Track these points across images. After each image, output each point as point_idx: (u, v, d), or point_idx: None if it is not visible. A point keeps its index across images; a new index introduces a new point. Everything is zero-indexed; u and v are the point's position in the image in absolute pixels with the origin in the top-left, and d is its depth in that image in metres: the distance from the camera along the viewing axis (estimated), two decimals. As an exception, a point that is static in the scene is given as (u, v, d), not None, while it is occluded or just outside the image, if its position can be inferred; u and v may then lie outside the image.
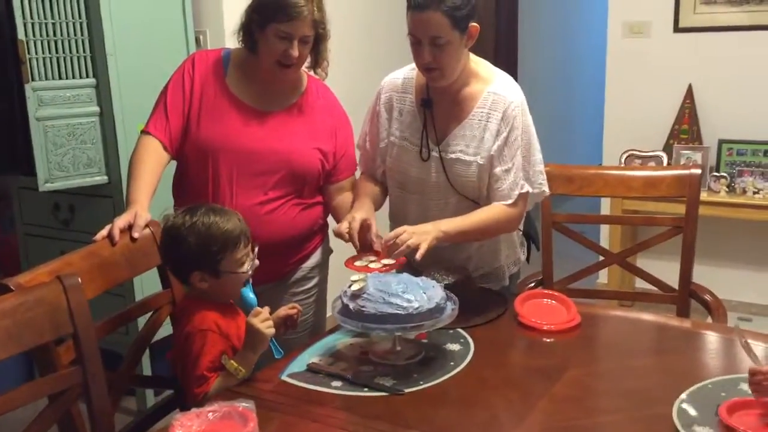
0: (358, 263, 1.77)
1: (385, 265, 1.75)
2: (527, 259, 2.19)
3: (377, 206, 2.00)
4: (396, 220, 2.05)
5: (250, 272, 1.61)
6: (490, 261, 2.04)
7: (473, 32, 1.81)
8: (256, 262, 1.64)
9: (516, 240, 2.11)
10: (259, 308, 1.55)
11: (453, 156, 1.90)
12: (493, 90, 1.89)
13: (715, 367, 1.65)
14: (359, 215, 1.83)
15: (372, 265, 1.75)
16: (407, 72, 1.99)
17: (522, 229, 2.11)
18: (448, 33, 1.75)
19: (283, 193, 1.95)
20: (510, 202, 1.89)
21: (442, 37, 1.75)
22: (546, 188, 1.96)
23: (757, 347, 1.64)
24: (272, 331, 1.52)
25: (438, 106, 1.92)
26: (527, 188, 1.90)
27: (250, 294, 1.59)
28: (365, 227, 1.81)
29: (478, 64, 1.94)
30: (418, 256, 1.70)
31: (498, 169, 1.88)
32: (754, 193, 3.49)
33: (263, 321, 1.52)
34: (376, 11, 3.70)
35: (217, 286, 1.59)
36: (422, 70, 1.85)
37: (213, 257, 1.56)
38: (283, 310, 1.69)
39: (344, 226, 1.80)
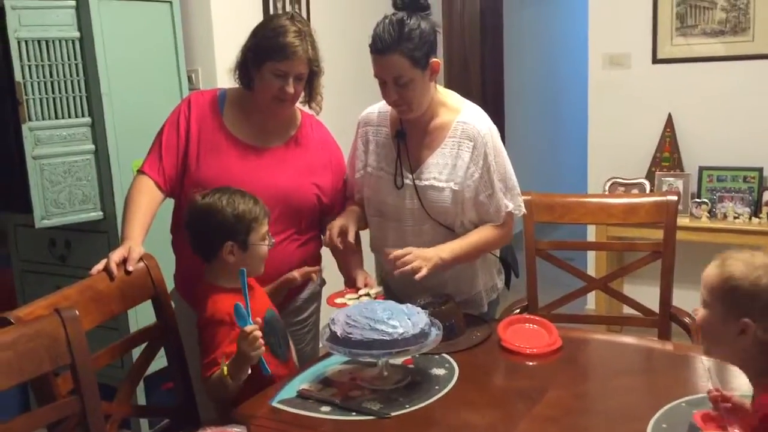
0: (338, 300, 1.89)
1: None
2: (507, 285, 2.26)
3: (362, 221, 2.12)
4: (376, 249, 2.13)
5: (270, 246, 1.77)
6: (468, 288, 2.11)
7: (435, 67, 1.93)
8: (273, 240, 1.80)
9: (493, 267, 2.18)
10: (248, 328, 1.55)
11: (427, 183, 1.99)
12: (463, 120, 2.00)
13: (692, 386, 1.70)
14: (338, 222, 1.99)
15: (350, 302, 1.85)
16: (382, 106, 2.10)
17: (498, 255, 2.19)
18: (409, 72, 1.87)
19: (281, 228, 1.99)
20: (499, 223, 2.03)
21: (404, 76, 1.88)
22: (523, 208, 2.10)
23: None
24: (260, 352, 1.56)
25: (411, 137, 2.03)
26: (511, 207, 2.03)
27: (242, 311, 1.58)
28: (343, 233, 1.97)
29: (446, 95, 2.06)
30: (418, 277, 1.84)
31: (482, 196, 2.00)
32: (735, 218, 3.57)
33: (251, 344, 1.55)
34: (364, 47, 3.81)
35: (242, 260, 1.71)
36: (391, 105, 1.98)
37: (245, 227, 1.71)
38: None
39: (326, 237, 1.99)
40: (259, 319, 1.59)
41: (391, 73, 1.88)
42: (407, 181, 2.01)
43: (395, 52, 1.85)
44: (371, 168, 2.08)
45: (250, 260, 1.74)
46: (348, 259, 2.07)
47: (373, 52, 1.89)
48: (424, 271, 1.85)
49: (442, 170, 1.99)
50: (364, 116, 2.15)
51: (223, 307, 1.66)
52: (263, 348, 1.57)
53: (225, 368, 1.57)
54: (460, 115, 2.01)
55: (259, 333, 1.56)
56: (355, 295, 1.92)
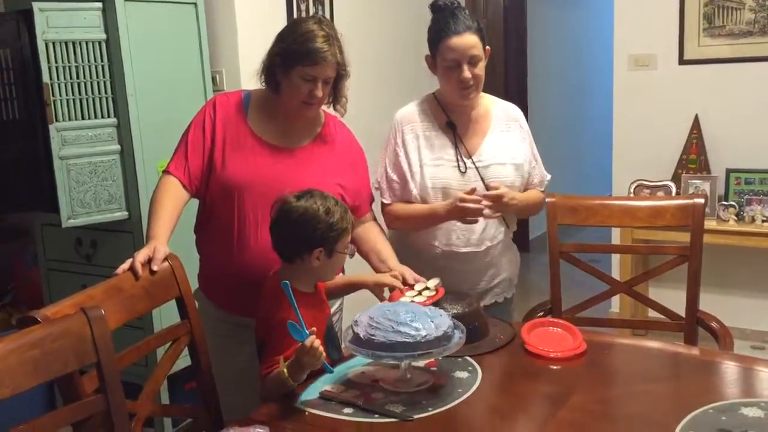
0: (403, 299, 1.87)
1: (428, 297, 1.88)
2: None
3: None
4: (432, 232, 2.18)
5: (350, 255, 1.83)
6: (510, 267, 2.30)
7: (488, 52, 2.12)
8: (354, 249, 1.88)
9: (517, 252, 2.37)
10: (308, 342, 1.55)
11: (490, 162, 2.17)
12: (501, 106, 2.26)
13: (719, 392, 1.68)
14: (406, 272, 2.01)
15: (417, 299, 1.86)
16: (419, 104, 2.23)
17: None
18: (481, 50, 2.08)
19: None
20: (542, 189, 2.29)
21: (478, 54, 2.07)
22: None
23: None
24: (323, 359, 1.58)
25: (460, 126, 2.18)
26: (548, 176, 2.31)
27: (296, 327, 1.57)
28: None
29: None
30: (509, 201, 2.06)
31: (529, 167, 2.24)
32: (764, 221, 3.52)
33: (313, 354, 1.55)
34: (388, 49, 3.82)
35: (323, 266, 1.75)
36: (458, 89, 2.11)
37: (336, 236, 1.73)
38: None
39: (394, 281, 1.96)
40: (315, 329, 1.58)
41: (470, 51, 2.04)
42: (469, 165, 2.15)
43: (472, 30, 2.05)
44: (428, 159, 2.16)
45: (331, 267, 1.78)
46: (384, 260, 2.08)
47: (450, 34, 2.04)
48: (514, 201, 2.06)
49: (500, 150, 2.18)
50: (405, 115, 2.22)
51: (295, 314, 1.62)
52: (324, 354, 1.58)
53: (285, 370, 1.58)
54: (497, 102, 2.25)
55: (318, 342, 1.56)
56: (415, 292, 1.92)
